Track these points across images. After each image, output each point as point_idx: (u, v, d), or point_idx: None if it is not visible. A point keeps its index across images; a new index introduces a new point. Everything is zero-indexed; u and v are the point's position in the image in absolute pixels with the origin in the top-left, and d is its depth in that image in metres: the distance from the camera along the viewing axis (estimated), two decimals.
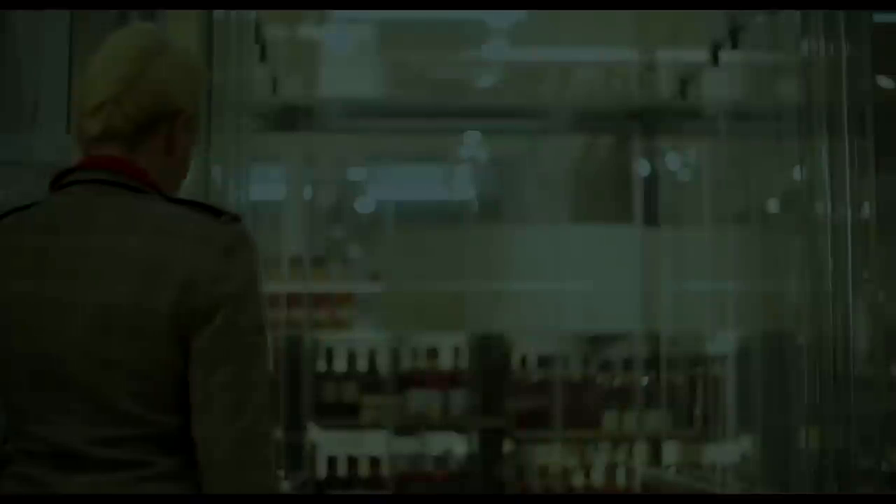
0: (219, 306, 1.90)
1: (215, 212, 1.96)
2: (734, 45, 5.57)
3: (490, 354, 7.42)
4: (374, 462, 7.09)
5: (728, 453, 5.82)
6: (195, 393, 1.91)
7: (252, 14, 5.03)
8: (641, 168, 7.39)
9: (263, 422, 1.91)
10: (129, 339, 1.90)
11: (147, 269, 1.90)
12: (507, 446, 7.36)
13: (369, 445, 7.43)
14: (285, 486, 5.60)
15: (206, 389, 1.90)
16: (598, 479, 7.27)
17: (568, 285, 7.36)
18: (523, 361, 7.31)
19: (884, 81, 3.59)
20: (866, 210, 3.31)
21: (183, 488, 1.93)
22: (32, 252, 1.95)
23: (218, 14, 4.47)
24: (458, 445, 7.57)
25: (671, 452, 6.97)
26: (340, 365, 7.16)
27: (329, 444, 7.23)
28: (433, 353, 7.30)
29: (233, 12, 4.59)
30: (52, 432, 1.94)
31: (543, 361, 7.29)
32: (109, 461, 1.92)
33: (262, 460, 1.91)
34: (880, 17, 3.38)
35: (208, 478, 1.92)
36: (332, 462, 7.06)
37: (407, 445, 7.56)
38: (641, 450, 7.12)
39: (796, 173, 4.20)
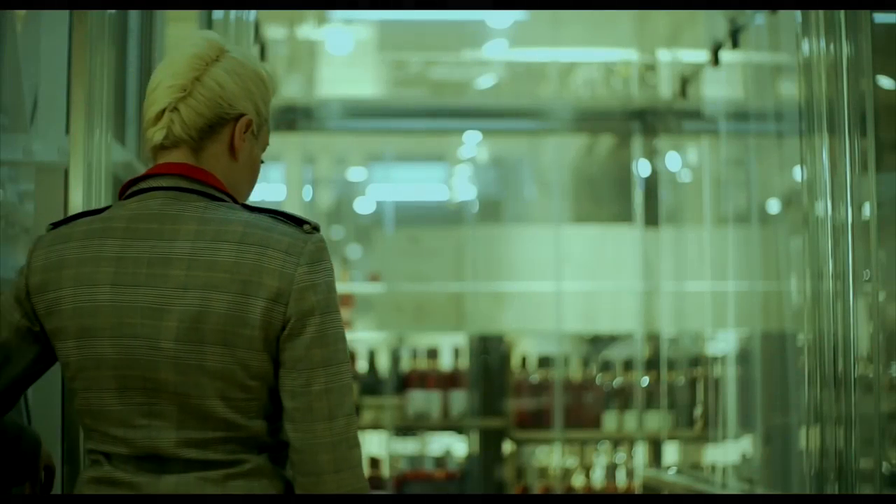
0: (309, 316, 1.95)
1: (297, 221, 2.00)
2: (734, 45, 5.56)
3: (490, 354, 7.42)
4: (374, 462, 7.08)
5: (728, 453, 5.81)
6: (291, 401, 1.97)
7: (252, 14, 5.02)
8: (641, 168, 7.39)
9: (354, 424, 1.98)
10: (220, 346, 1.94)
11: (238, 278, 1.94)
12: (507, 446, 7.35)
13: (369, 446, 7.43)
14: None
15: (304, 398, 1.96)
16: (598, 479, 7.27)
17: (568, 285, 7.36)
18: (523, 361, 7.31)
19: (884, 81, 3.59)
20: (867, 210, 3.31)
21: (271, 485, 1.99)
22: (117, 259, 1.98)
23: (217, 14, 4.47)
24: (458, 445, 7.57)
25: (671, 453, 6.96)
26: None
27: None
28: (433, 353, 7.30)
29: (232, 12, 4.59)
30: (137, 435, 1.97)
31: (543, 361, 7.29)
32: (197, 461, 1.96)
33: (355, 462, 1.98)
34: (880, 17, 3.37)
35: (305, 481, 1.97)
36: None
37: (407, 445, 7.56)
38: (641, 450, 7.12)
39: (796, 173, 4.20)
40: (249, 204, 2.07)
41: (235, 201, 2.06)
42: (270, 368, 1.97)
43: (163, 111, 2.02)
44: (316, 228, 2.00)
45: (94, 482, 1.99)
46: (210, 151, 2.04)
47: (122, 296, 1.96)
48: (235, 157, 2.06)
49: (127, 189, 2.06)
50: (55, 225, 2.08)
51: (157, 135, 2.03)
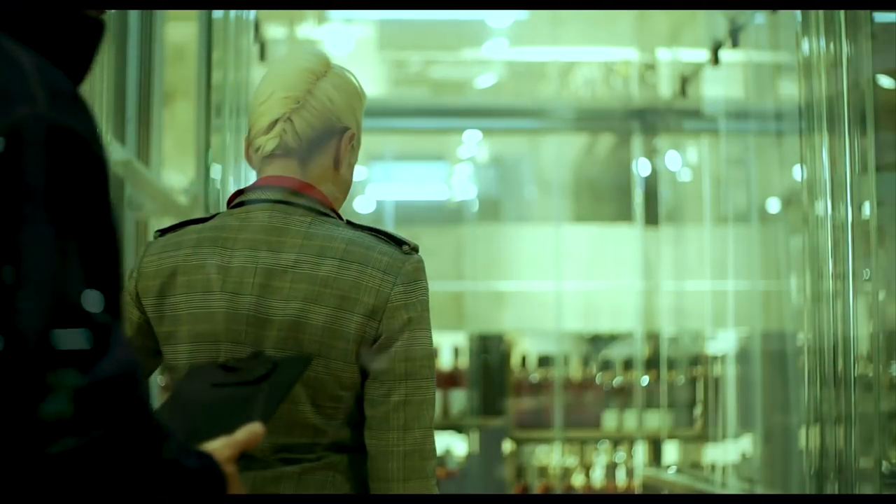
0: (399, 333, 2.04)
1: (397, 241, 2.10)
2: (734, 45, 5.57)
3: (490, 354, 7.41)
4: None
5: (728, 452, 5.82)
6: (370, 409, 2.05)
7: (251, 14, 5.03)
8: (641, 167, 7.39)
9: (430, 437, 2.06)
10: (315, 356, 2.01)
11: (336, 293, 2.02)
12: (507, 446, 7.35)
13: None
14: None
15: (382, 407, 2.04)
16: (597, 478, 7.27)
17: (568, 284, 7.36)
18: (523, 361, 7.31)
19: (884, 81, 3.59)
20: (867, 209, 3.31)
21: (344, 480, 2.06)
22: (226, 268, 2.06)
23: (217, 14, 4.47)
24: (457, 445, 7.57)
25: (671, 452, 6.97)
26: None
27: None
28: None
29: (232, 12, 4.59)
30: None
31: (543, 361, 7.29)
32: (281, 460, 2.04)
33: (426, 473, 2.05)
34: (880, 17, 3.38)
35: (375, 486, 2.06)
36: None
37: None
38: (641, 449, 7.12)
39: (796, 172, 4.20)
40: (353, 222, 2.13)
41: (339, 216, 2.13)
42: (359, 379, 2.04)
43: (276, 121, 2.10)
44: (415, 249, 2.10)
45: None
46: (317, 162, 2.12)
47: (231, 303, 2.03)
48: (338, 169, 2.14)
49: (235, 198, 2.13)
50: (163, 231, 2.15)
51: (269, 143, 2.10)
